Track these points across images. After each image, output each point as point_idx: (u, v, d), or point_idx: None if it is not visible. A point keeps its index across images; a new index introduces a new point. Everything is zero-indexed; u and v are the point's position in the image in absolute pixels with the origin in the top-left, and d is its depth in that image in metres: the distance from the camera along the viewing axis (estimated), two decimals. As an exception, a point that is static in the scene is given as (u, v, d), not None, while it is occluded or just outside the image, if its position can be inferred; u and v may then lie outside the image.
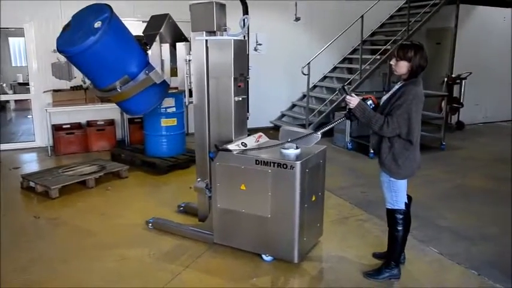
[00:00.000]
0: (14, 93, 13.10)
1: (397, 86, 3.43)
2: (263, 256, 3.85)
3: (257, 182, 3.68)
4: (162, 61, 4.53)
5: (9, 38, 13.81)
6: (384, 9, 10.00)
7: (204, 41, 3.97)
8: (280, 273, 3.68)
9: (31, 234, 4.61)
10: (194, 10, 4.01)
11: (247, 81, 4.21)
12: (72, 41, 4.27)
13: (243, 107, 4.11)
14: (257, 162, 3.64)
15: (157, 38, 4.33)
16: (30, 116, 9.30)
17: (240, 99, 4.01)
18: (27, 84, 11.21)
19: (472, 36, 10.26)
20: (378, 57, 9.20)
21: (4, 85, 13.00)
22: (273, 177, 3.59)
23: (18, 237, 4.52)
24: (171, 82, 4.62)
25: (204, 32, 3.98)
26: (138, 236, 4.43)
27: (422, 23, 9.38)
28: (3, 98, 12.99)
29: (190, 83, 4.18)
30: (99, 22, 4.15)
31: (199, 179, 4.40)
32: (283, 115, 10.00)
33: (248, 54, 4.19)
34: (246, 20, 3.94)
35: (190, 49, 4.15)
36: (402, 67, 3.33)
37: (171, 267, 3.79)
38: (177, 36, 4.30)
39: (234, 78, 3.89)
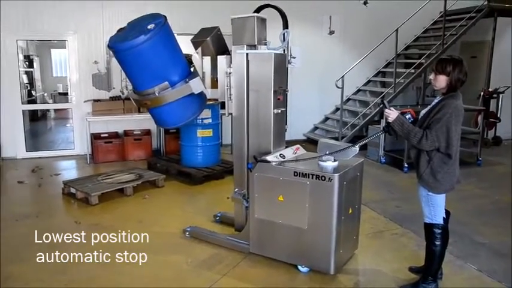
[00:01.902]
0: (54, 102, 13.64)
1: (436, 100, 3.45)
2: (299, 267, 3.89)
3: (295, 193, 3.74)
4: (203, 73, 4.68)
5: (51, 49, 14.35)
6: (419, 23, 9.94)
7: (245, 54, 4.10)
8: (316, 284, 3.72)
9: (73, 238, 4.79)
10: (236, 24, 4.14)
11: (286, 94, 4.28)
12: (124, 38, 4.55)
13: (281, 120, 4.20)
14: (295, 174, 3.70)
15: (200, 49, 4.48)
16: (69, 125, 9.67)
17: (279, 111, 4.10)
18: (67, 94, 11.80)
19: (510, 50, 10.09)
20: (412, 71, 9.15)
21: (45, 94, 13.53)
22: (311, 189, 3.64)
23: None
24: (210, 94, 4.76)
25: (245, 46, 4.11)
26: (175, 244, 4.54)
27: (458, 37, 9.29)
28: (46, 107, 13.58)
29: (230, 95, 4.29)
30: (153, 25, 4.40)
31: (236, 189, 4.49)
32: (316, 128, 10.04)
33: (287, 68, 4.27)
34: (286, 34, 4.05)
35: (231, 62, 4.28)
36: (441, 81, 3.35)
37: (209, 275, 3.88)
38: (222, 47, 4.43)
39: (273, 91, 3.99)
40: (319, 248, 3.72)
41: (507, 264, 4.15)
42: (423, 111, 3.49)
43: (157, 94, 4.57)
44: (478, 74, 9.99)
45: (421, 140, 3.27)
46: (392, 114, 3.41)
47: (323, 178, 3.58)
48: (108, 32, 8.28)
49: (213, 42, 4.39)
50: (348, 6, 9.74)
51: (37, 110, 12.76)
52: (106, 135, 8.37)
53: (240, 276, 3.88)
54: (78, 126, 8.59)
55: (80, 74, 8.46)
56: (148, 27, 4.35)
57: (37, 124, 12.12)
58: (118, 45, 4.55)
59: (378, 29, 9.35)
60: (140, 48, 4.36)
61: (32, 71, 12.47)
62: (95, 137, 8.21)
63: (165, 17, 4.53)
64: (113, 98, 8.43)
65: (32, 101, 11.76)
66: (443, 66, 3.31)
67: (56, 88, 14.15)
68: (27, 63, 11.94)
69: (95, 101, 8.35)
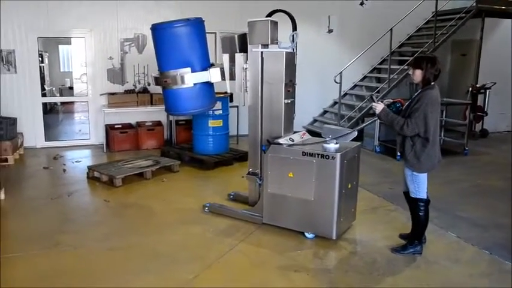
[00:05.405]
0: (61, 95, 14.21)
1: (416, 93, 4.11)
2: (306, 234, 4.57)
3: (303, 170, 4.40)
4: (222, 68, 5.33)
5: (59, 45, 14.90)
6: (412, 22, 10.55)
7: (260, 52, 4.75)
8: (321, 247, 4.39)
9: (106, 213, 5.46)
10: (251, 26, 4.81)
11: (295, 86, 4.94)
12: (167, 22, 5.56)
13: (290, 109, 4.87)
14: (304, 153, 4.37)
15: (221, 45, 5.20)
16: (79, 118, 10.28)
17: (289, 101, 4.77)
18: (73, 88, 13.36)
19: (497, 48, 10.76)
20: (405, 67, 9.77)
21: (54, 89, 14.10)
22: (317, 166, 4.31)
23: (96, 215, 5.37)
24: (229, 86, 5.42)
25: (260, 45, 4.76)
26: (197, 217, 5.20)
27: (448, 36, 9.92)
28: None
29: (246, 87, 4.95)
30: (193, 18, 5.38)
31: (250, 169, 5.15)
32: (315, 120, 10.69)
33: (296, 64, 4.93)
34: (295, 36, 4.71)
35: (247, 59, 4.93)
36: (417, 75, 4.02)
37: (229, 241, 4.54)
38: (245, 46, 5.07)
39: (284, 83, 4.65)
40: (323, 217, 4.39)
41: (481, 232, 4.86)
42: (407, 103, 4.16)
43: (178, 75, 5.25)
44: (467, 70, 10.67)
45: (403, 126, 3.95)
46: (378, 106, 4.12)
47: (327, 157, 4.25)
48: (122, 30, 8.96)
49: (239, 40, 5.05)
50: (345, 7, 10.43)
51: (46, 104, 13.31)
52: (119, 126, 8.99)
53: (255, 242, 4.54)
54: (93, 117, 9.19)
55: (95, 69, 9.06)
56: (190, 18, 5.31)
57: (48, 117, 12.68)
58: (160, 24, 5.51)
59: (373, 28, 9.96)
60: (178, 30, 5.26)
61: (43, 66, 13.02)
62: (110, 127, 8.82)
63: (203, 20, 5.44)
64: (127, 92, 9.04)
65: (43, 94, 12.34)
66: (419, 62, 4.01)
67: (64, 83, 14.74)
68: (40, 59, 12.48)
69: (111, 94, 8.95)
